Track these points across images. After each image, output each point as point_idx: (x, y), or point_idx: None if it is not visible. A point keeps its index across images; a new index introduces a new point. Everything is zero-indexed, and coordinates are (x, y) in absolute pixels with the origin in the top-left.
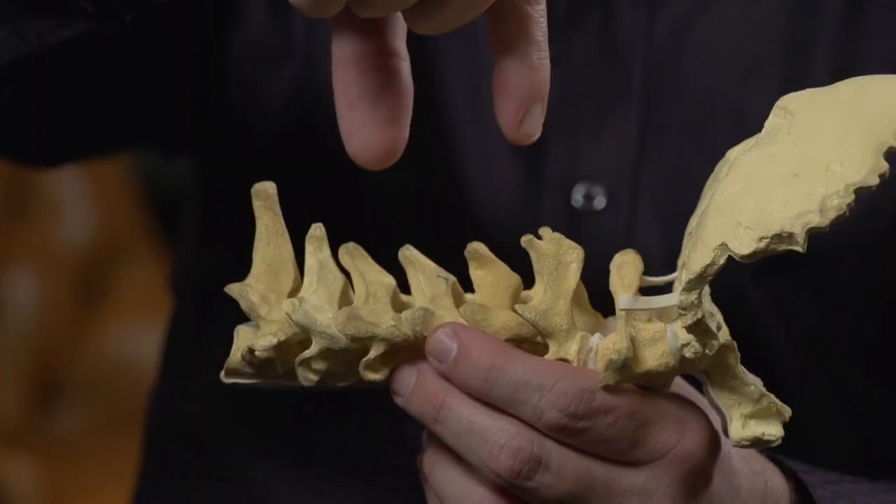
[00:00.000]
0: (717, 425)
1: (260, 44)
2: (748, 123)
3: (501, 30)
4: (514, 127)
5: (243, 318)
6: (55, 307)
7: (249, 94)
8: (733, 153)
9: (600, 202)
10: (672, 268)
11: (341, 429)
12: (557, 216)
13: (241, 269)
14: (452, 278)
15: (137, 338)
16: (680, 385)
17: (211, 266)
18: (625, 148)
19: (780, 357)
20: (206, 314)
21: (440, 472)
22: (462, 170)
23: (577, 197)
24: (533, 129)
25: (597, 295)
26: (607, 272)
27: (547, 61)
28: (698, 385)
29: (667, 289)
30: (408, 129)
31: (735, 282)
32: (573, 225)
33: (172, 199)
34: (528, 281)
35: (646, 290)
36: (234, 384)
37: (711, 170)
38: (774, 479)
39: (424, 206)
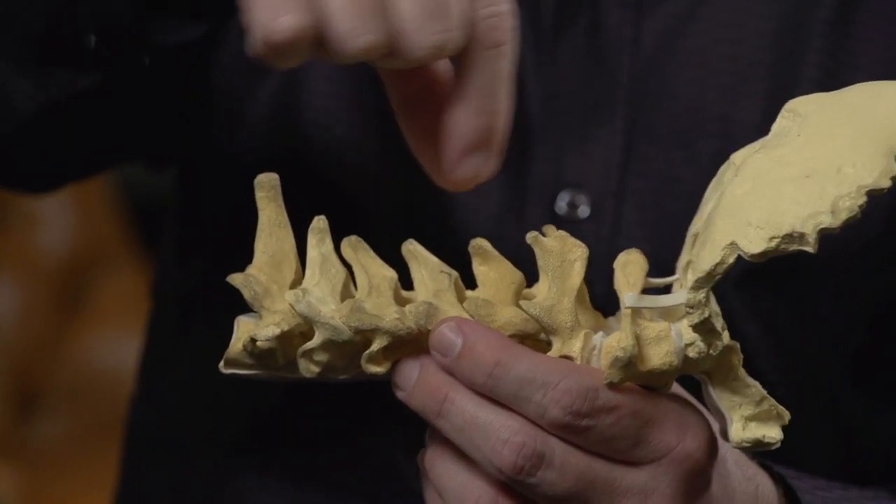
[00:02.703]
0: (715, 427)
1: (242, 58)
2: (735, 131)
3: (454, 72)
4: (452, 168)
5: (224, 327)
6: (34, 316)
7: (231, 108)
8: (739, 156)
9: (584, 210)
10: (658, 276)
11: (324, 441)
12: (541, 223)
13: (222, 279)
14: (455, 273)
15: (117, 346)
16: (676, 388)
17: (192, 277)
18: (610, 156)
19: (761, 367)
20: (187, 324)
21: (441, 467)
22: None
23: (562, 204)
24: (472, 174)
25: None
26: (592, 279)
27: (501, 106)
28: (693, 389)
29: (665, 291)
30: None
31: (717, 293)
32: None
33: (152, 208)
34: (527, 281)
35: (645, 292)
36: (233, 374)
37: (698, 178)
38: (765, 484)
39: (409, 213)
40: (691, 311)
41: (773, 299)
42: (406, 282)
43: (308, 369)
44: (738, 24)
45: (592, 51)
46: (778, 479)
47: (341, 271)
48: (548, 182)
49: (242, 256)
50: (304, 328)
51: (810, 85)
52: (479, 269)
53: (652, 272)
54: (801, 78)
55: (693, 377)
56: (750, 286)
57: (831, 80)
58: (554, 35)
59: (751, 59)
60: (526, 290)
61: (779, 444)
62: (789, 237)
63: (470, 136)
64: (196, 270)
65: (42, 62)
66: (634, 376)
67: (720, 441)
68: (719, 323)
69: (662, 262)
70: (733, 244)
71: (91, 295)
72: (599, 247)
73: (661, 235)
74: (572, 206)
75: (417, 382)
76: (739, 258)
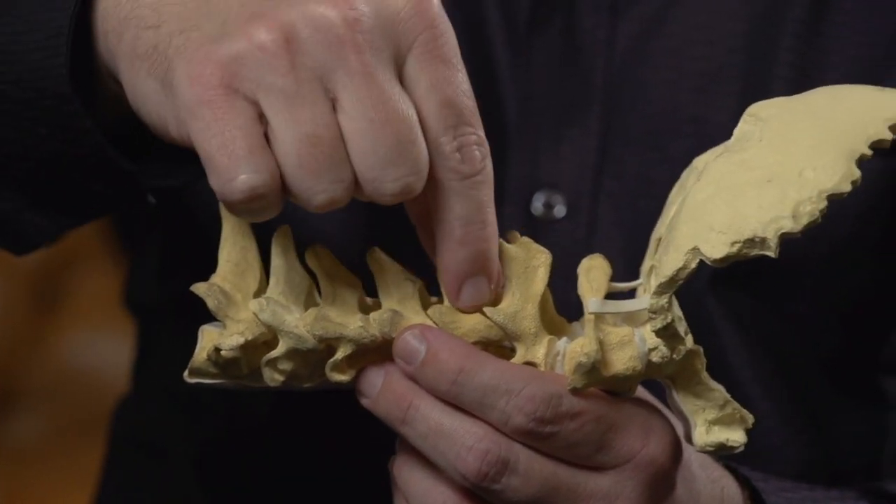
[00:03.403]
0: (679, 431)
1: None
2: (708, 132)
3: (418, 207)
4: (454, 300)
5: None
6: (11, 315)
7: None
8: (701, 160)
9: (560, 210)
10: (633, 276)
11: (306, 446)
12: (517, 224)
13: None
14: (420, 281)
15: (94, 345)
16: (641, 393)
17: (176, 291)
18: (585, 156)
19: (736, 368)
20: (171, 334)
21: (407, 474)
22: None
23: (537, 205)
24: (474, 300)
25: (556, 302)
26: (567, 280)
27: (485, 233)
28: (658, 394)
29: (630, 295)
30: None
31: (692, 292)
32: (533, 233)
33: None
34: None
35: (609, 296)
36: (198, 384)
37: (672, 179)
38: (730, 487)
39: (376, 219)
40: (654, 316)
41: (748, 299)
42: (371, 290)
43: (272, 378)
44: (710, 26)
45: (567, 53)
46: (744, 482)
47: (305, 280)
48: (523, 183)
49: None
50: (269, 337)
51: (783, 84)
52: None
53: (628, 272)
54: (773, 78)
55: (657, 381)
56: (724, 286)
57: (804, 79)
58: (529, 37)
59: (724, 60)
60: None
61: (742, 448)
62: (751, 242)
63: (460, 268)
64: (178, 286)
65: (52, 206)
66: (598, 381)
67: (685, 445)
68: (682, 327)
69: (638, 262)
70: (696, 249)
71: (68, 294)
72: (576, 247)
73: (637, 236)
74: (548, 206)
75: (382, 390)
76: (702, 262)
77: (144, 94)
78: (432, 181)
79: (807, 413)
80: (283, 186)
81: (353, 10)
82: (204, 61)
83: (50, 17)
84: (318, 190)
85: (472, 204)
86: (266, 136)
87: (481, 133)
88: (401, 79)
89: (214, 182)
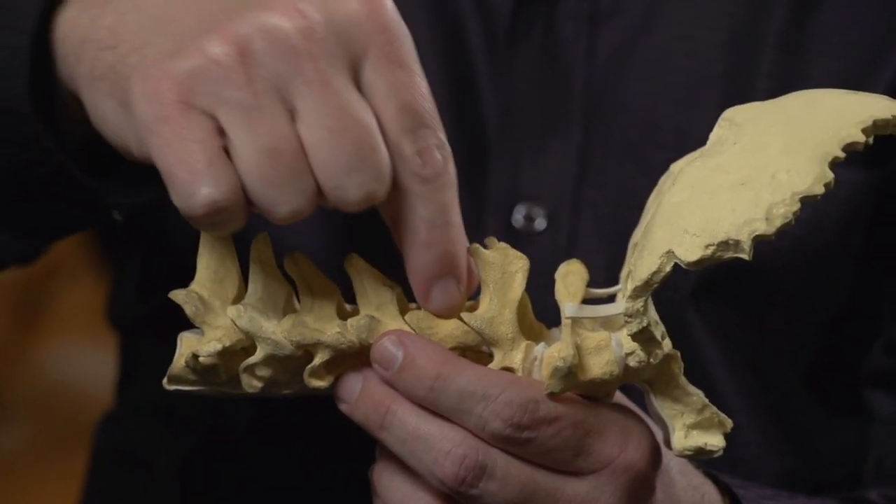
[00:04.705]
0: (659, 437)
1: None
2: (689, 142)
3: (390, 210)
4: (424, 303)
5: None
6: None
7: None
8: (677, 166)
9: (541, 223)
10: (612, 287)
11: (287, 463)
12: (498, 236)
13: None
14: (398, 287)
15: (76, 356)
16: (620, 398)
17: (156, 308)
18: (565, 168)
19: (717, 379)
20: (156, 350)
21: (386, 479)
22: None
23: (518, 217)
24: (444, 302)
25: (538, 313)
26: (549, 291)
27: (450, 234)
28: (636, 399)
29: (608, 301)
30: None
31: (672, 304)
32: (514, 245)
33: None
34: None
35: (588, 302)
36: (176, 391)
37: (653, 189)
38: (710, 494)
39: (362, 220)
40: (630, 320)
41: (727, 309)
42: (350, 296)
43: (250, 384)
44: (691, 37)
45: (548, 63)
46: (724, 489)
47: (284, 286)
48: (504, 195)
49: None
50: (247, 343)
51: (764, 95)
52: None
53: (609, 283)
54: (754, 88)
55: (635, 386)
56: (704, 296)
57: (784, 90)
58: (509, 47)
59: (704, 70)
60: (469, 303)
61: (721, 452)
62: (724, 244)
63: (427, 270)
64: (159, 302)
65: (17, 224)
66: (575, 386)
67: (664, 450)
68: (659, 331)
69: (619, 273)
70: (670, 252)
71: (51, 306)
72: (556, 258)
73: (618, 246)
74: (529, 218)
75: (360, 395)
76: (677, 266)
77: (104, 114)
78: (396, 185)
79: (787, 424)
80: (246, 199)
81: (306, 19)
82: (159, 78)
83: (9, 37)
84: (280, 202)
85: (435, 206)
86: (227, 150)
87: (442, 135)
88: (358, 85)
89: (175, 197)
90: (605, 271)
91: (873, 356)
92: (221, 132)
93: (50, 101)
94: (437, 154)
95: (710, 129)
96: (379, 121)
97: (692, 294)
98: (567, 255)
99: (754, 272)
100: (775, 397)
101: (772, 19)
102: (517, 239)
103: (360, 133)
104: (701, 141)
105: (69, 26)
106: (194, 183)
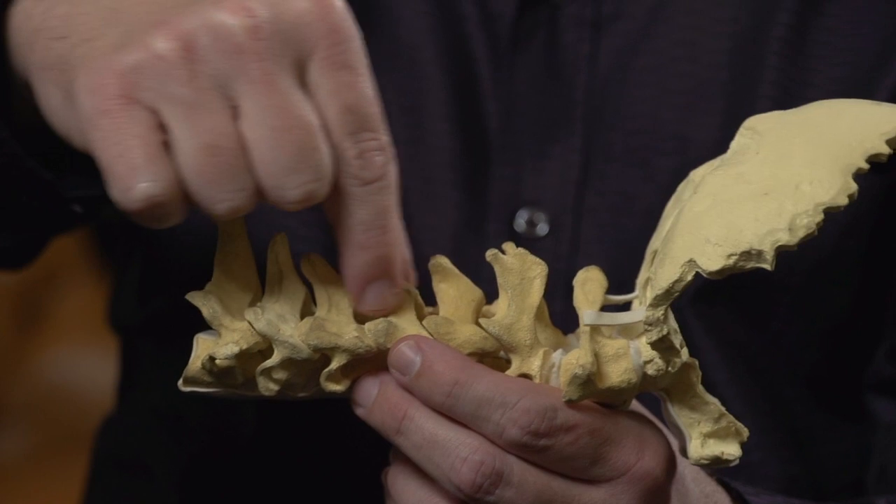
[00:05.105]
0: (674, 445)
1: None
2: (691, 149)
3: (330, 211)
4: (358, 303)
5: (186, 356)
6: None
7: None
8: (698, 173)
9: (543, 228)
10: (616, 292)
11: (292, 470)
12: (500, 241)
13: (185, 312)
14: (415, 291)
15: (75, 361)
16: (636, 406)
17: (157, 311)
18: (567, 173)
19: (717, 384)
20: (157, 354)
21: (402, 485)
22: (405, 195)
23: (520, 222)
24: (376, 304)
25: None
26: (552, 296)
27: (386, 238)
28: (653, 407)
29: (625, 308)
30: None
31: (673, 307)
32: None
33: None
34: (487, 298)
35: (603, 309)
36: (192, 392)
37: (654, 195)
38: (723, 501)
39: None
40: (650, 328)
41: (728, 315)
42: None
43: (267, 387)
44: (694, 43)
45: (550, 69)
46: (736, 497)
47: (301, 289)
48: (506, 200)
49: None
50: (264, 346)
51: (766, 102)
52: (438, 286)
53: (610, 289)
54: (756, 96)
55: (652, 394)
56: (705, 302)
57: (787, 97)
58: (511, 53)
59: (707, 77)
60: (485, 308)
61: (738, 461)
62: (747, 254)
63: (361, 271)
64: (159, 306)
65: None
66: (593, 394)
67: (678, 458)
68: (678, 340)
69: (621, 279)
70: (691, 261)
71: (51, 311)
72: (558, 264)
73: (620, 252)
74: (531, 223)
75: (377, 400)
76: (698, 275)
77: (51, 104)
78: (336, 186)
79: (789, 430)
80: (184, 195)
81: (253, 17)
82: (103, 71)
83: None
84: (219, 199)
85: (372, 209)
86: (168, 145)
87: (384, 138)
88: (304, 85)
89: (113, 191)
90: (608, 276)
91: (876, 363)
92: (163, 127)
93: (6, 92)
94: (377, 157)
95: (713, 136)
96: (323, 122)
97: (693, 299)
98: (568, 261)
99: (756, 277)
100: (777, 403)
101: (775, 26)
102: (519, 244)
103: (302, 133)
104: (703, 148)
105: (23, 16)
106: (132, 177)
